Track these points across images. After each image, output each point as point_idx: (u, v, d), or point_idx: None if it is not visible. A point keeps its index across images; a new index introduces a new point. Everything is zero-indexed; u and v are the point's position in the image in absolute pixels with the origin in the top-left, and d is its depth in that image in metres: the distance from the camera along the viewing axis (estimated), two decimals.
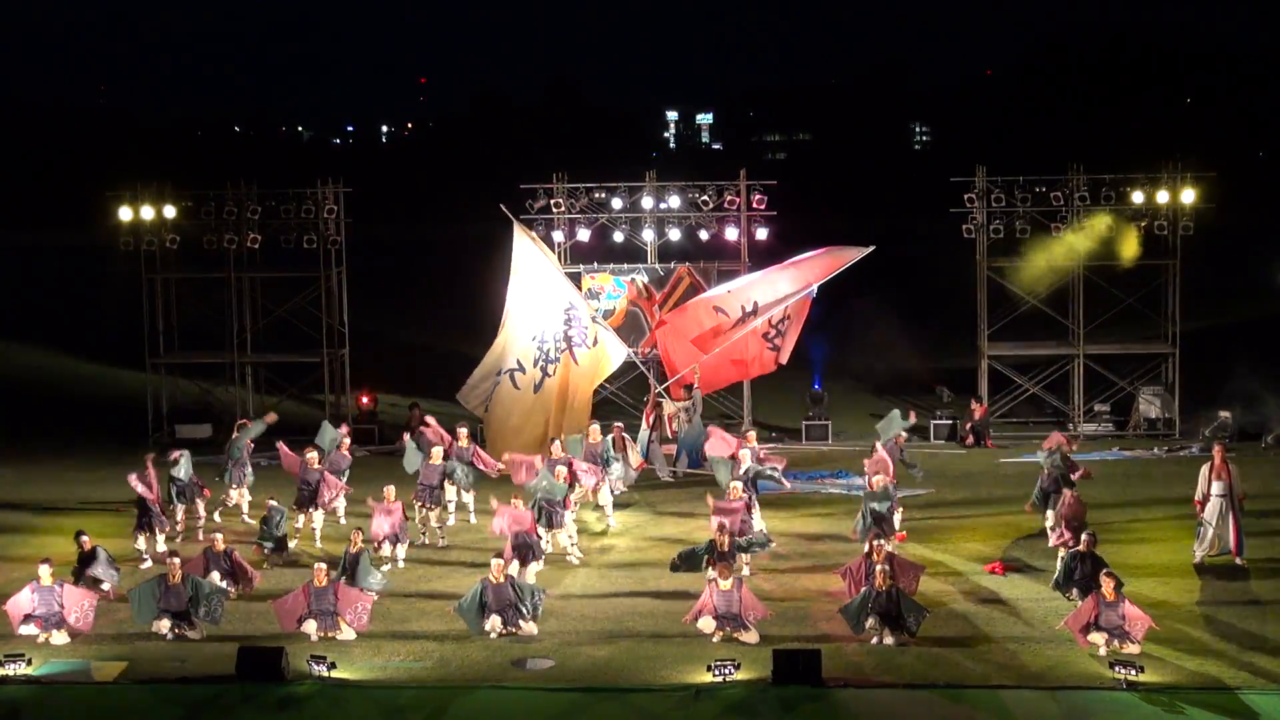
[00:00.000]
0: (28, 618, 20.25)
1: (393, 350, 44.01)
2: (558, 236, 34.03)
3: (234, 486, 26.56)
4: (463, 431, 27.11)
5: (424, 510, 25.28)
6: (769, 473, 25.22)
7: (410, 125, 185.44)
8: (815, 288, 30.27)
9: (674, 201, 33.91)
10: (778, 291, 30.33)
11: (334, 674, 18.70)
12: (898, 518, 24.02)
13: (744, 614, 19.84)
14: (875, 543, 21.23)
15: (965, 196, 33.47)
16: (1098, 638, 19.02)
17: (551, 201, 33.80)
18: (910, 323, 42.25)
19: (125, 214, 34.42)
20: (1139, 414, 33.84)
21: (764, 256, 32.89)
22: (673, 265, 33.90)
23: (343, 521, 25.87)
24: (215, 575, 21.58)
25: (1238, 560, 22.98)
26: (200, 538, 24.66)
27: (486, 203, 31.03)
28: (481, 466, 26.44)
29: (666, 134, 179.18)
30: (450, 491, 25.83)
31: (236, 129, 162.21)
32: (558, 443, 26.32)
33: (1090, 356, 34.08)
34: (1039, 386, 34.79)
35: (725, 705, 17.93)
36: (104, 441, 34.63)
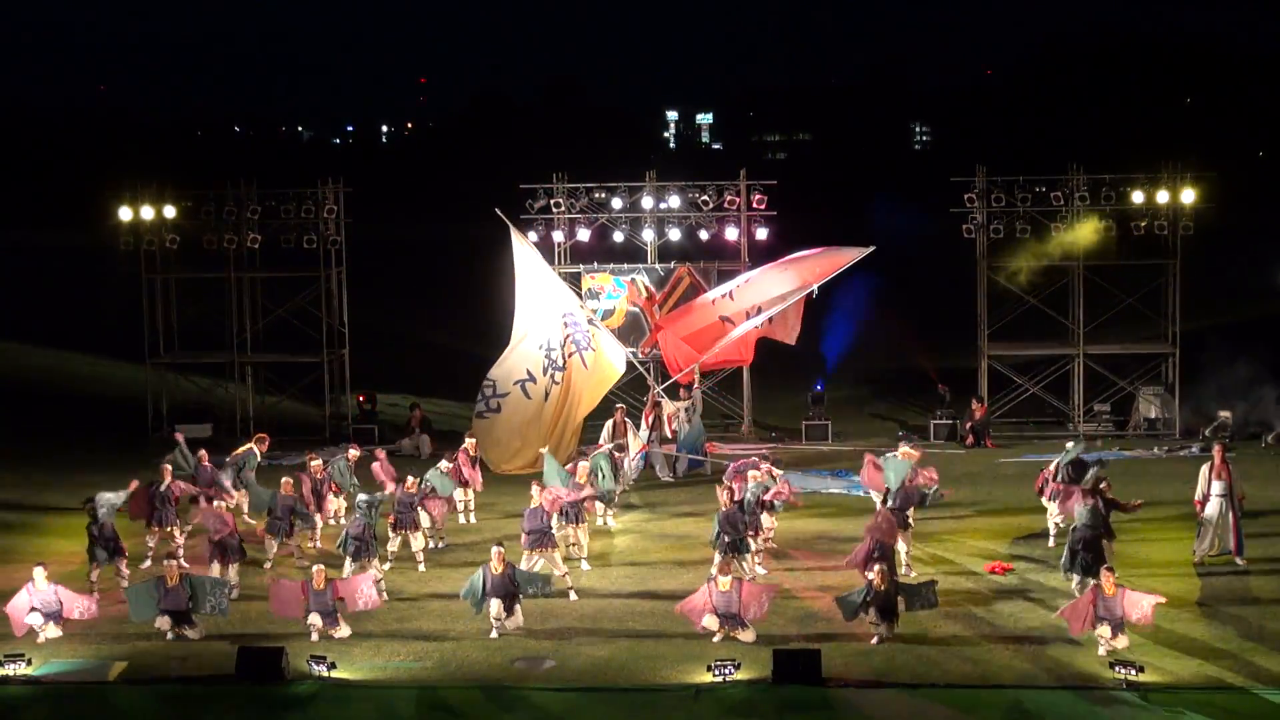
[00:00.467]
0: (31, 610, 20.25)
1: (393, 350, 44.03)
2: (558, 236, 34.05)
3: (237, 490, 26.47)
4: (470, 442, 27.10)
5: (400, 533, 24.29)
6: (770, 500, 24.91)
7: (410, 125, 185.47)
8: (815, 287, 30.27)
9: (674, 201, 33.92)
10: (777, 291, 30.31)
11: (334, 674, 18.70)
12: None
13: (743, 613, 19.84)
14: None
15: (965, 196, 33.48)
16: (1104, 630, 18.94)
17: (551, 201, 33.82)
18: (910, 323, 42.26)
19: (125, 214, 34.43)
20: (1139, 414, 33.86)
21: (764, 256, 32.90)
22: (673, 265, 33.92)
23: (344, 522, 25.84)
24: (216, 568, 21.73)
25: (1238, 560, 22.99)
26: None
27: (486, 203, 30.99)
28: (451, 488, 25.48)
29: (667, 134, 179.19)
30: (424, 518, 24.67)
31: (236, 129, 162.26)
32: (545, 451, 25.97)
33: (1090, 356, 34.08)
34: (1039, 386, 34.80)
35: (725, 705, 17.93)
36: (104, 441, 34.68)
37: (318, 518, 25.01)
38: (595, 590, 22.44)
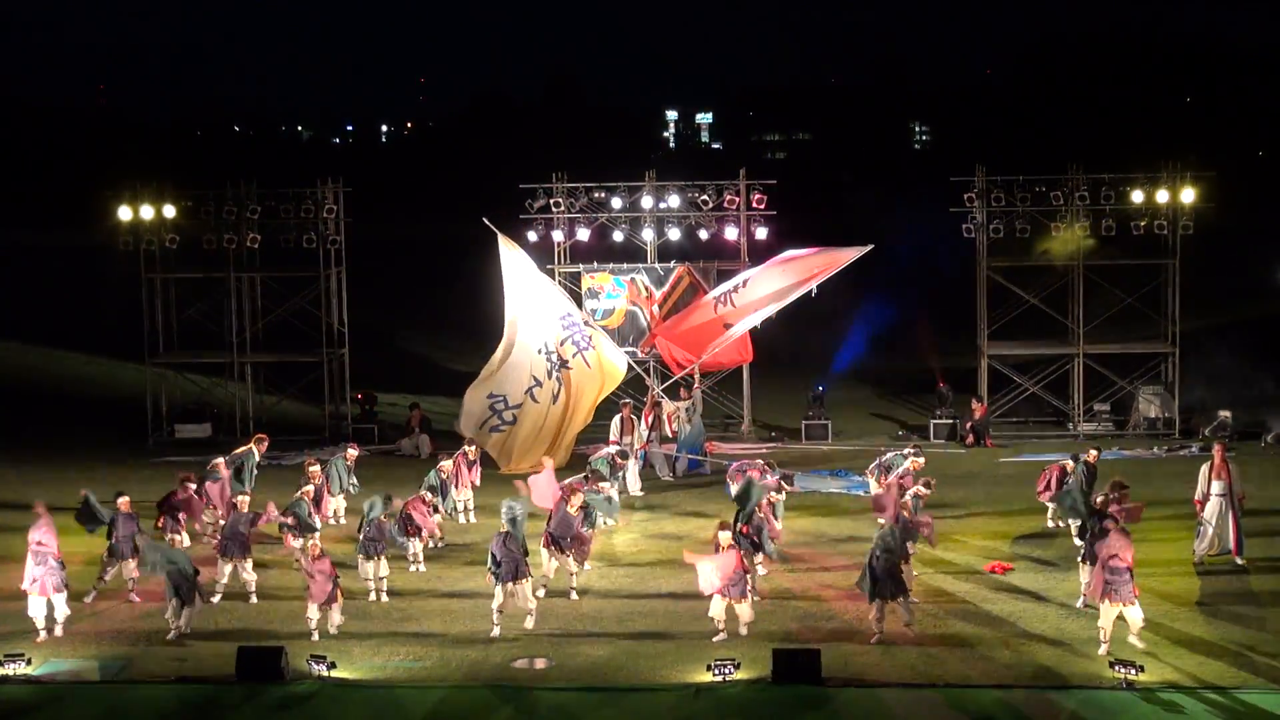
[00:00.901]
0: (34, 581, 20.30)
1: (392, 350, 44.03)
2: (557, 236, 34.06)
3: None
4: (470, 447, 27.12)
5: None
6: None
7: (410, 125, 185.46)
8: (815, 288, 30.24)
9: (673, 201, 33.91)
10: (775, 287, 30.27)
11: (334, 674, 18.70)
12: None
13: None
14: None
15: (965, 196, 33.49)
16: (1111, 613, 19.03)
17: (551, 201, 33.82)
18: (910, 323, 42.25)
19: (125, 214, 34.43)
20: (1139, 413, 33.86)
21: (764, 256, 32.84)
22: (672, 265, 33.91)
23: (343, 521, 25.88)
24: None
25: (1237, 560, 22.99)
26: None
27: (486, 203, 31.02)
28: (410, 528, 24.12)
29: (666, 134, 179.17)
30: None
31: (236, 129, 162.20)
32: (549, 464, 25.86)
33: (1090, 356, 34.07)
34: (1039, 386, 34.79)
35: (725, 705, 17.93)
36: (104, 441, 34.68)
37: (317, 519, 24.96)
38: (595, 590, 22.44)
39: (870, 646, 19.55)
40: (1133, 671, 17.91)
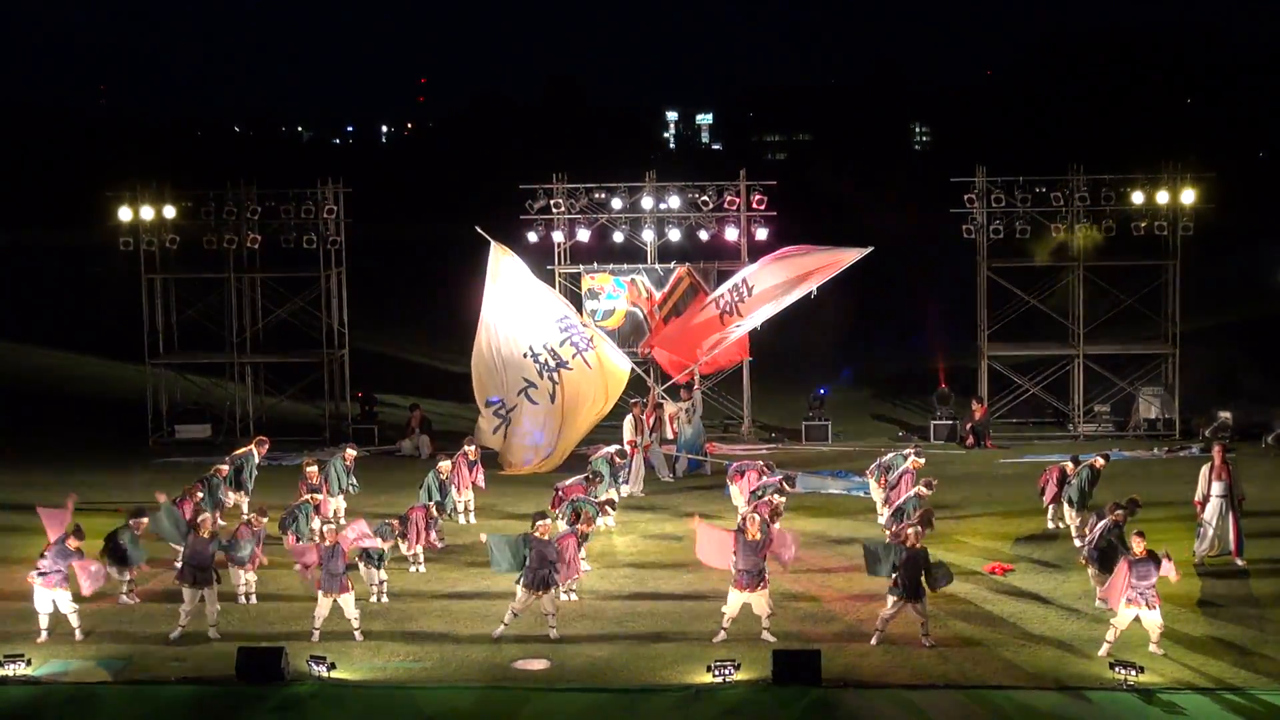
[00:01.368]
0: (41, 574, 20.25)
1: (393, 351, 44.01)
2: (557, 237, 34.05)
3: (235, 492, 26.43)
4: (470, 448, 27.14)
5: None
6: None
7: (410, 125, 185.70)
8: (815, 289, 30.22)
9: (674, 202, 33.90)
10: (776, 287, 30.23)
11: (334, 674, 18.70)
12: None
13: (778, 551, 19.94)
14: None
15: (965, 197, 33.46)
16: (1128, 614, 19.05)
17: (551, 202, 33.80)
18: (911, 323, 42.26)
19: (125, 214, 34.41)
20: (1139, 414, 33.84)
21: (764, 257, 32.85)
22: (672, 265, 33.89)
23: (343, 521, 25.81)
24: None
25: (1238, 561, 23.00)
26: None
27: (486, 203, 31.05)
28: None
29: (666, 134, 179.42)
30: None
31: (236, 129, 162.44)
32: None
33: (1090, 357, 34.06)
34: (1039, 387, 34.78)
35: (725, 705, 17.94)
36: (104, 441, 34.68)
37: (316, 520, 24.95)
38: (595, 590, 22.42)
39: (871, 647, 19.54)
40: (1133, 673, 17.92)
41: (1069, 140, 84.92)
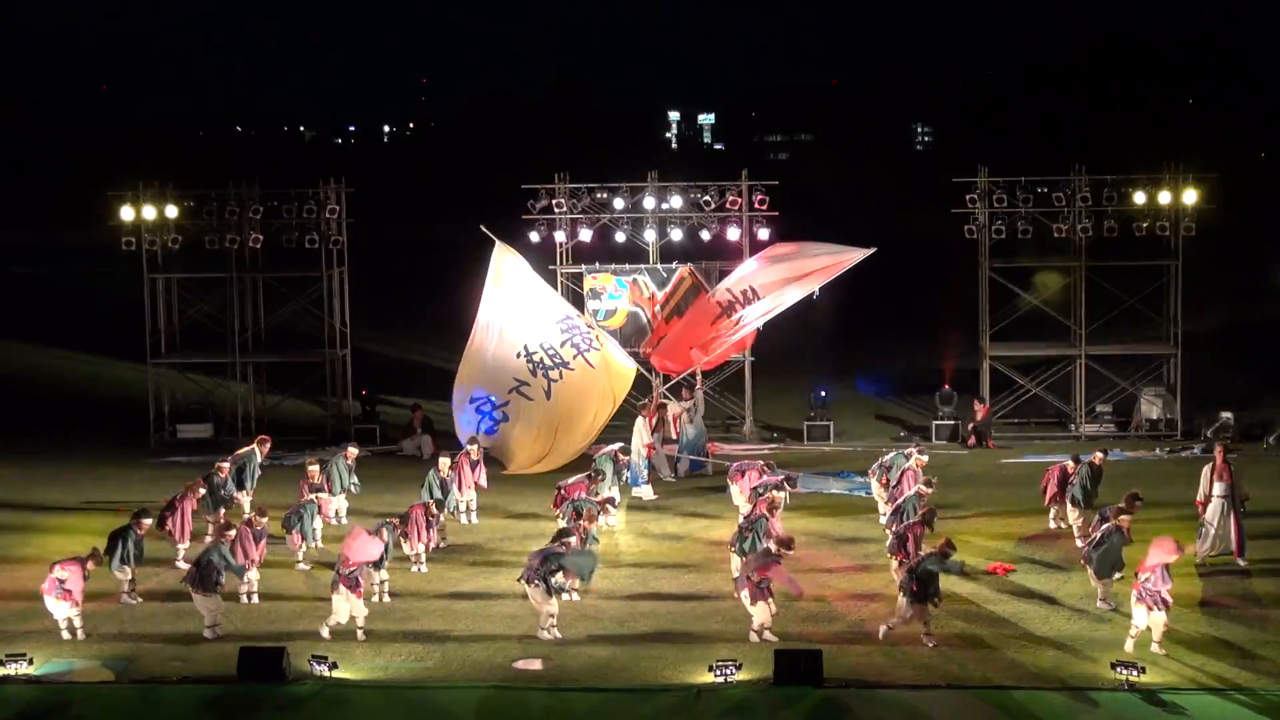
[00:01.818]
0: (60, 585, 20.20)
1: (395, 351, 44.00)
2: (560, 237, 34.04)
3: (238, 491, 26.40)
4: (472, 448, 27.12)
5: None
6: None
7: (412, 125, 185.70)
8: (816, 289, 30.18)
9: (676, 202, 33.89)
10: (776, 284, 30.18)
11: (335, 674, 18.69)
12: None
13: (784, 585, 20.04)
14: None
15: (967, 197, 33.44)
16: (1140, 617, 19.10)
17: (554, 202, 33.79)
18: (911, 323, 42.24)
19: (127, 214, 34.43)
20: (1140, 415, 33.82)
21: None
22: (675, 265, 33.87)
23: (344, 521, 25.86)
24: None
25: (1239, 561, 22.98)
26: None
27: (488, 203, 31.04)
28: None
29: (669, 134, 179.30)
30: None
31: (238, 129, 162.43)
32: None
33: (1092, 357, 34.04)
34: (1041, 387, 34.76)
35: (726, 706, 17.92)
36: (105, 441, 34.69)
37: (318, 520, 24.95)
38: (596, 591, 22.39)
39: (872, 647, 19.53)
40: (1134, 673, 17.90)
41: (1071, 140, 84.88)
